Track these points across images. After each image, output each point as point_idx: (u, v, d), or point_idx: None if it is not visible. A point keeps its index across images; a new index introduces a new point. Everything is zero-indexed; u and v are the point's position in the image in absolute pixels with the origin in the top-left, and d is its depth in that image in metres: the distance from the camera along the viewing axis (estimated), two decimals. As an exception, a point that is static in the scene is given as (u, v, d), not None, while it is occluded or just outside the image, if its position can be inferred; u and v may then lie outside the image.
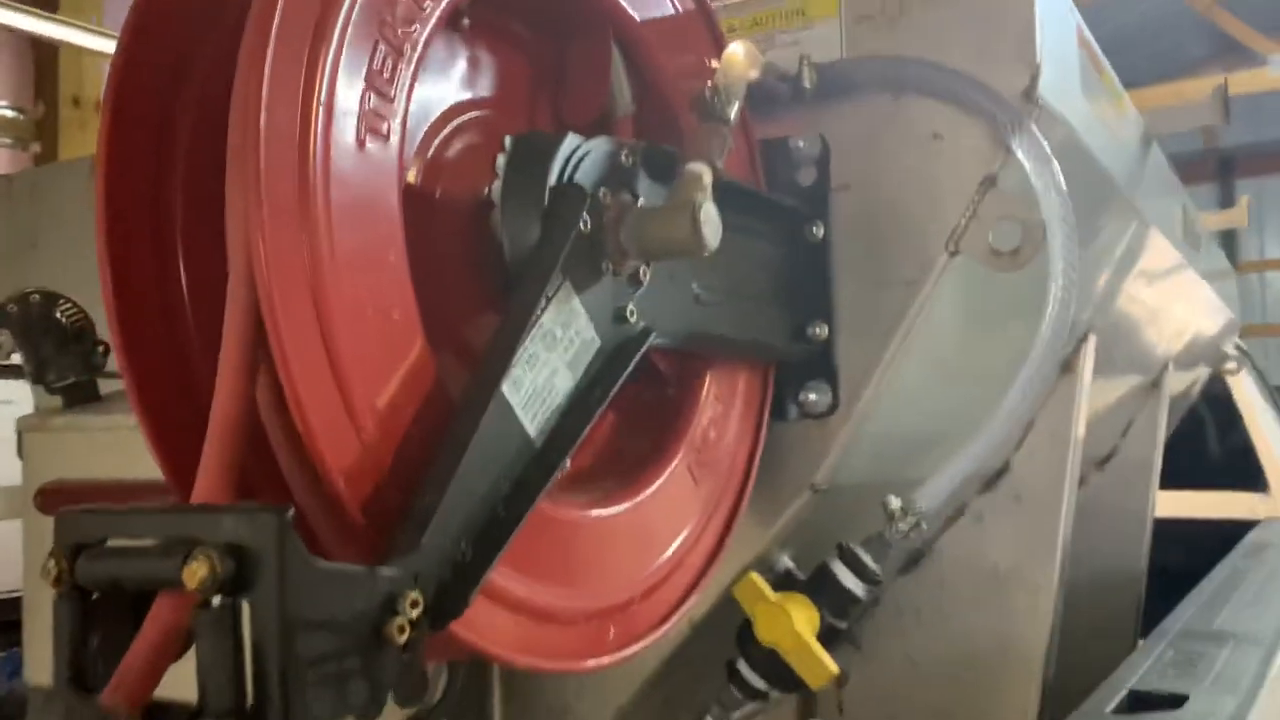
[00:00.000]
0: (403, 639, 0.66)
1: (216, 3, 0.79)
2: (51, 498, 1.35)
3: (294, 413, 0.66)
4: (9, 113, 4.40)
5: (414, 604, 0.66)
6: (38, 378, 1.36)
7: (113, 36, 4.49)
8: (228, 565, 0.60)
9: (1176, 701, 1.33)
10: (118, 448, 1.37)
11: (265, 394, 0.70)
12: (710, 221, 0.87)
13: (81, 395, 1.40)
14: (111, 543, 0.67)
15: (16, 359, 2.00)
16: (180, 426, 0.76)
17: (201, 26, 0.79)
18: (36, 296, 1.33)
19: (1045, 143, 1.13)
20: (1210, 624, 1.83)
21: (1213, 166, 13.23)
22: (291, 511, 0.60)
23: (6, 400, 5.23)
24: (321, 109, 0.69)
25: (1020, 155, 1.13)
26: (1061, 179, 1.12)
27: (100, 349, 1.39)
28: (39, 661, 1.38)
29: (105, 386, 1.47)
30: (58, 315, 1.34)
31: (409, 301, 0.75)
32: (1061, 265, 1.13)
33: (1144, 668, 1.52)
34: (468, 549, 0.72)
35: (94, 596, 0.67)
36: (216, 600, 0.61)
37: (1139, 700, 1.37)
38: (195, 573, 0.59)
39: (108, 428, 1.37)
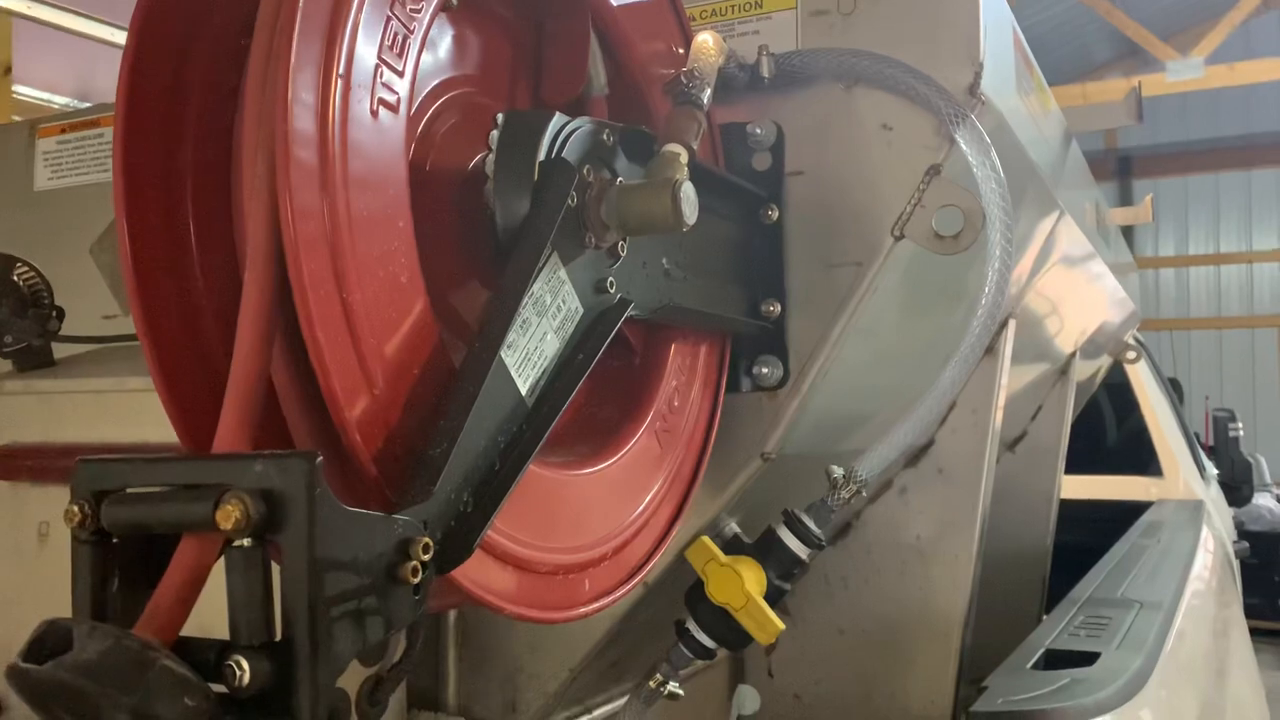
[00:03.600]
0: (415, 580, 0.70)
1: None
2: (5, 460, 1.35)
3: (315, 363, 0.70)
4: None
5: (425, 548, 0.71)
6: (-8, 341, 1.36)
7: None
8: (259, 508, 0.64)
9: (1089, 659, 1.43)
10: (73, 412, 1.37)
11: (280, 356, 0.74)
12: (689, 199, 0.93)
13: (36, 359, 1.39)
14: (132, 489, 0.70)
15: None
16: (193, 386, 0.79)
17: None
18: (-7, 259, 1.32)
19: (986, 135, 1.21)
20: (1115, 592, 1.95)
21: (1112, 166, 13.74)
22: (321, 458, 0.64)
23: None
24: (340, 81, 0.72)
25: (963, 146, 1.20)
26: (1000, 170, 1.20)
27: (55, 314, 1.38)
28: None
29: (59, 351, 1.46)
30: (15, 279, 1.33)
31: (414, 265, 0.79)
32: (998, 251, 1.22)
33: (1057, 630, 1.63)
34: (470, 500, 0.77)
35: (114, 541, 0.70)
36: (246, 541, 0.64)
37: (1055, 658, 1.47)
38: (229, 515, 0.63)
39: (63, 391, 1.37)
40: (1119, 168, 13.95)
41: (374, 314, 0.74)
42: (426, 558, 0.71)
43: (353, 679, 1.28)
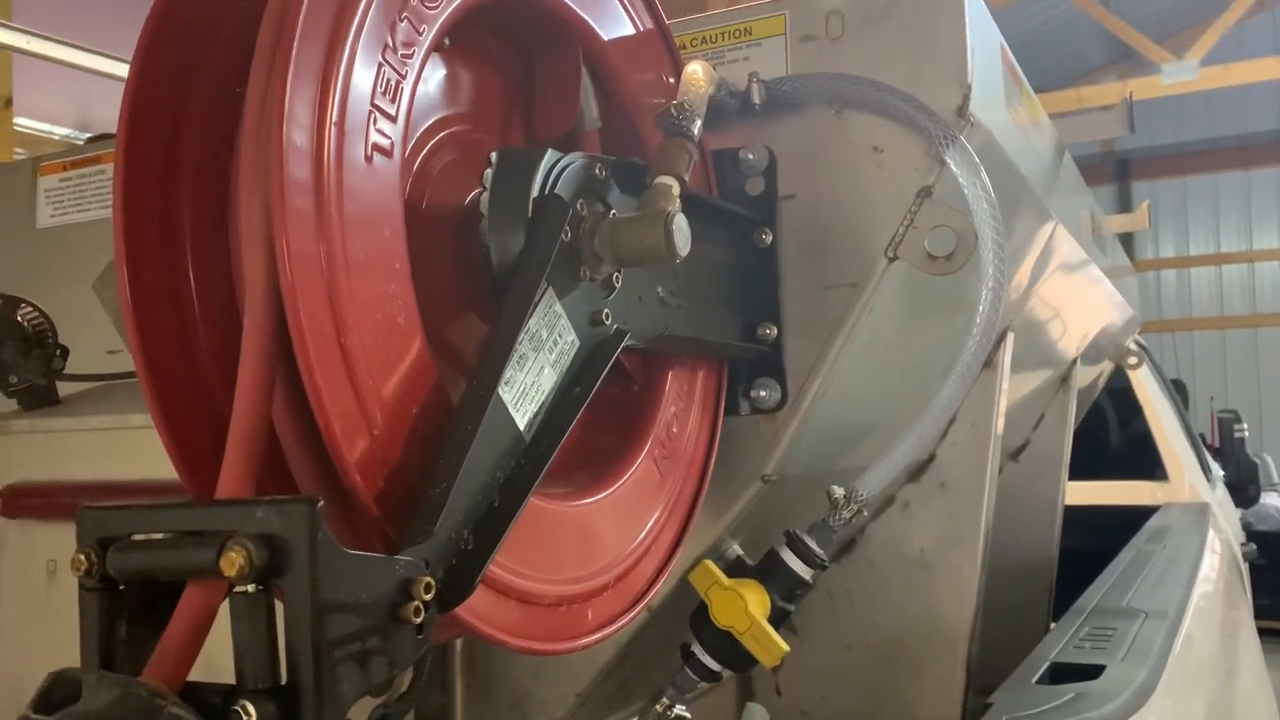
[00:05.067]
0: (418, 620, 0.71)
1: (215, 20, 0.83)
2: (13, 499, 1.36)
3: (314, 407, 0.71)
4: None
5: (427, 588, 0.72)
6: (-1, 381, 1.37)
7: (24, 32, 4.39)
8: (262, 554, 0.65)
9: (1094, 672, 1.43)
10: (79, 450, 1.38)
11: (281, 399, 0.75)
12: (681, 231, 0.94)
13: (41, 399, 1.41)
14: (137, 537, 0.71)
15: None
16: (195, 430, 0.80)
17: (204, 42, 0.83)
18: (-2, 300, 1.33)
19: (975, 155, 1.22)
20: (1120, 602, 1.95)
21: (1110, 170, 13.75)
22: (321, 503, 0.65)
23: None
24: (334, 128, 0.73)
25: (953, 167, 1.21)
26: (991, 189, 1.21)
27: (59, 353, 1.40)
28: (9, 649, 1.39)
29: (63, 390, 1.48)
30: (19, 319, 1.35)
31: (411, 305, 0.80)
32: (991, 270, 1.22)
33: (1063, 642, 1.63)
34: (470, 537, 0.78)
35: (120, 588, 0.71)
36: (250, 587, 0.65)
37: (1060, 672, 1.47)
38: (233, 561, 0.64)
39: (68, 430, 1.38)
40: (1117, 170, 13.97)
41: (372, 356, 0.75)
42: (428, 597, 0.71)
43: (361, 710, 1.29)
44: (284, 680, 0.66)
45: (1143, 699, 1.35)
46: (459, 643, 1.42)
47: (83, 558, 0.70)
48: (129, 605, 0.71)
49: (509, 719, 1.42)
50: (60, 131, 6.79)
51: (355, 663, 0.67)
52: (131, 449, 1.32)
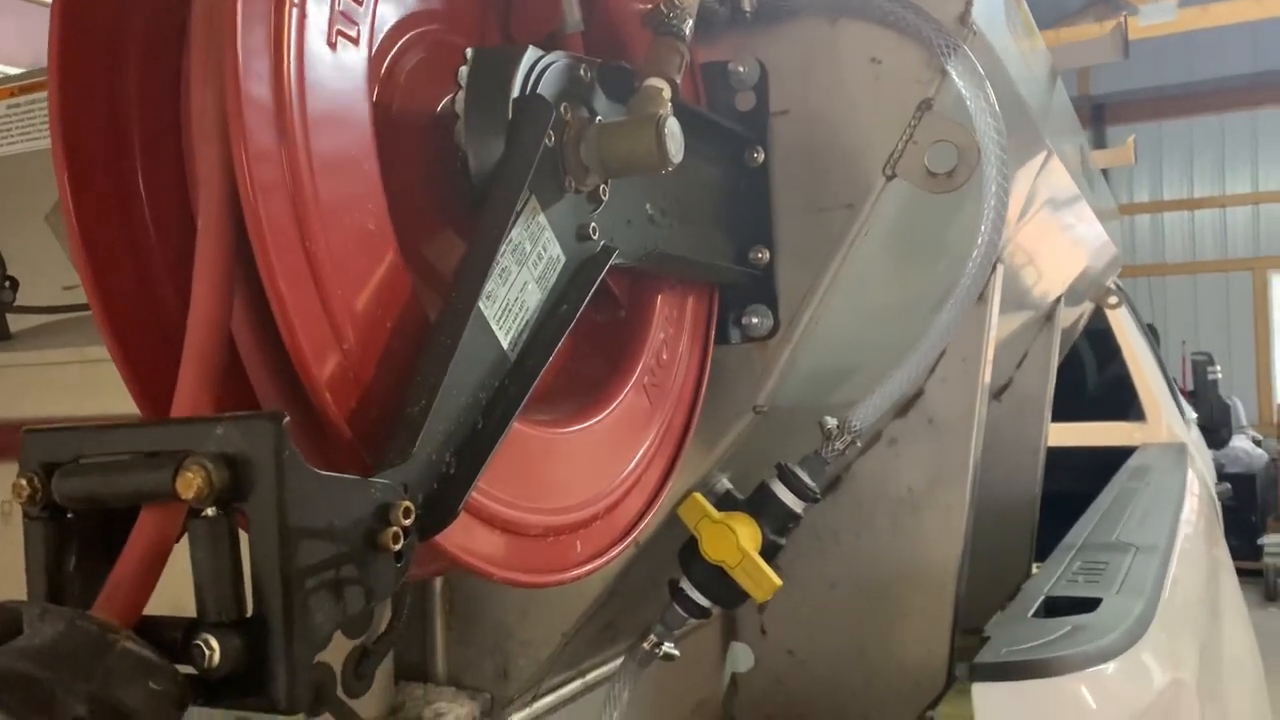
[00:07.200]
0: (396, 547, 0.65)
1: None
2: (-36, 438, 1.29)
3: (279, 320, 0.64)
4: None
5: (406, 512, 0.66)
6: (-56, 313, 1.29)
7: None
8: (222, 474, 0.59)
9: (1090, 605, 1.41)
10: (31, 386, 1.31)
11: (241, 312, 0.68)
12: (674, 136, 0.87)
13: (-9, 332, 1.33)
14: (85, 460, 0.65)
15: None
16: (151, 349, 0.74)
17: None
18: (-60, 227, 1.25)
19: (980, 67, 1.16)
20: (1110, 536, 1.93)
21: (1086, 114, 13.68)
22: (288, 418, 0.59)
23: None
24: (294, 9, 0.66)
25: (956, 78, 1.15)
26: (995, 102, 1.15)
27: (8, 284, 1.32)
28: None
29: (15, 325, 1.40)
30: (-36, 247, 1.27)
31: (382, 211, 0.73)
32: (994, 188, 1.17)
33: (1056, 576, 1.60)
34: (452, 460, 0.72)
35: (68, 515, 0.65)
36: (210, 510, 0.59)
37: (1055, 605, 1.44)
38: (190, 483, 0.58)
39: (20, 365, 1.31)
40: (1093, 114, 13.91)
41: (341, 264, 0.69)
42: (408, 523, 0.66)
43: (337, 652, 1.24)
44: (250, 612, 0.60)
45: (1140, 631, 1.33)
46: (439, 582, 1.37)
47: (25, 482, 0.63)
48: (79, 534, 0.65)
49: (493, 660, 1.38)
50: (15, 71, 6.60)
51: (328, 593, 0.61)
52: (89, 383, 1.25)
